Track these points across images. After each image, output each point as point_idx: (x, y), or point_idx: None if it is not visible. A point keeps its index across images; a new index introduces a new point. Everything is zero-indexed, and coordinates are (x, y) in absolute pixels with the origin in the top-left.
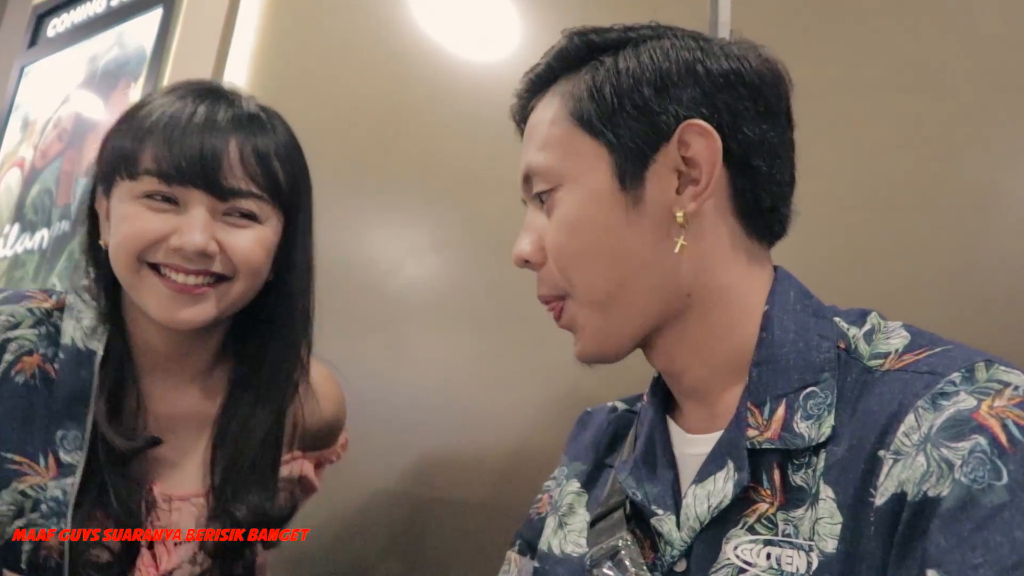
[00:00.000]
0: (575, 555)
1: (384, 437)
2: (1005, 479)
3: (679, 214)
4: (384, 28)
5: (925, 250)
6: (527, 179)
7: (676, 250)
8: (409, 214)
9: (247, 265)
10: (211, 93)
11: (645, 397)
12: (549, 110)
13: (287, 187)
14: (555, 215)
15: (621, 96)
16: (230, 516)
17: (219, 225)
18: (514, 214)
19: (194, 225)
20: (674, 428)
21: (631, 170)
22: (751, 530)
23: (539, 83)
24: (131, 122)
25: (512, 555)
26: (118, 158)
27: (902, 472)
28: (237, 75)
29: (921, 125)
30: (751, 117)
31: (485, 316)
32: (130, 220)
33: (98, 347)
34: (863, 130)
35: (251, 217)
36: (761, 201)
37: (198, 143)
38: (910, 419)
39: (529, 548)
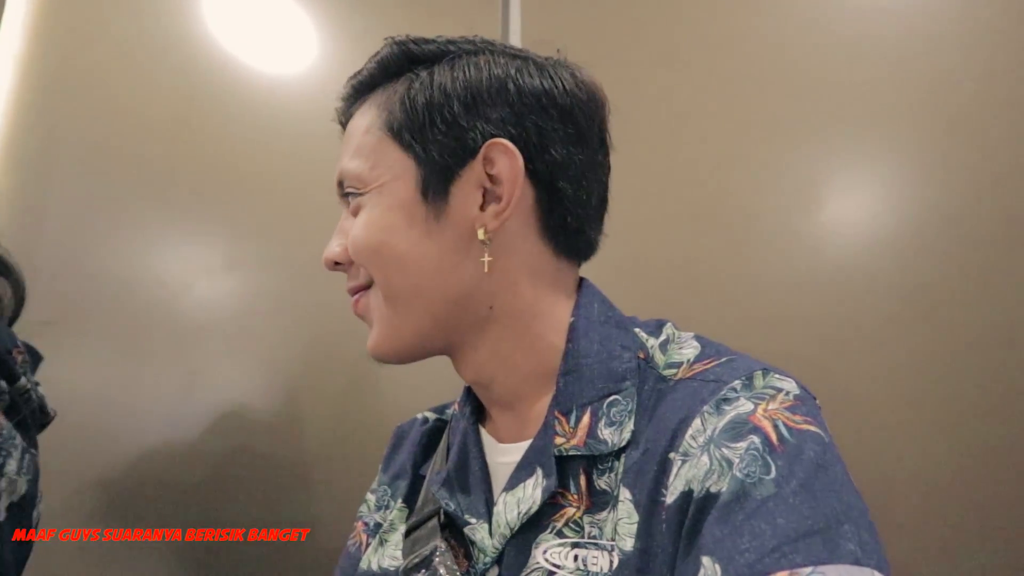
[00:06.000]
0: (392, 568)
1: (176, 464)
2: (773, 473)
3: (480, 231)
4: (172, 35)
5: (699, 261)
6: (340, 183)
7: (485, 269)
8: (200, 232)
9: None
10: None
11: (456, 406)
12: (365, 118)
13: None
14: (360, 217)
15: (432, 110)
16: None
17: None
18: (310, 229)
19: None
20: (486, 437)
21: (435, 184)
22: (559, 534)
23: (360, 89)
24: None
25: None
26: None
27: (689, 471)
28: (1, 81)
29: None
30: (559, 139)
31: (281, 337)
32: None
33: None
34: (643, 145)
35: None
36: (567, 222)
37: None
38: (696, 423)
39: None
